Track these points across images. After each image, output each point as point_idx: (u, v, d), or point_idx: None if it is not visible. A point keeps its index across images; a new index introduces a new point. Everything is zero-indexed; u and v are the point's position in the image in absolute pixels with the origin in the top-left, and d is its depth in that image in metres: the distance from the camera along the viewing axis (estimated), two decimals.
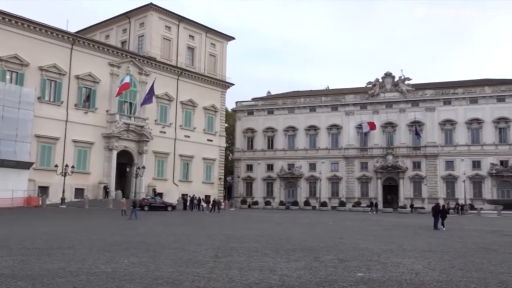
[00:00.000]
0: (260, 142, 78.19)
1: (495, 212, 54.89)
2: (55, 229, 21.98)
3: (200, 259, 12.62)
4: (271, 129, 77.69)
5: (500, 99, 66.86)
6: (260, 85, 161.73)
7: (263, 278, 9.91)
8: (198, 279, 9.70)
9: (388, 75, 73.48)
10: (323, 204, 68.77)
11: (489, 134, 66.57)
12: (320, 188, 71.75)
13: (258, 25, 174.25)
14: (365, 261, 12.91)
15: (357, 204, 68.29)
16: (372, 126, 69.41)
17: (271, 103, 79.72)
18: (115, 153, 54.33)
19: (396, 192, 69.44)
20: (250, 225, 29.21)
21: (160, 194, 56.91)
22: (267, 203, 72.69)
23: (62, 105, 50.62)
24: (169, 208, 47.61)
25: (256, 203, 72.63)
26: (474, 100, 68.09)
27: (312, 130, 75.53)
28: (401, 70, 77.82)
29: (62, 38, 51.11)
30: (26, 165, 44.60)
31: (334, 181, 73.34)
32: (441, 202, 50.53)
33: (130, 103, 57.71)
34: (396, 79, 72.91)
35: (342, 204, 68.55)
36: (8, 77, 46.15)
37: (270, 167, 76.76)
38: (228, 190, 78.85)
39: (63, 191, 46.18)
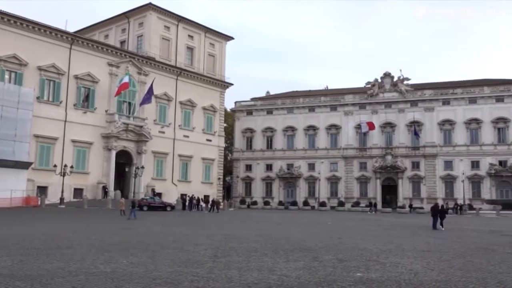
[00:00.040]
0: (259, 142, 78.19)
1: (494, 212, 54.95)
2: (54, 229, 21.96)
3: (199, 259, 12.61)
4: (270, 129, 77.70)
5: (499, 99, 66.96)
6: (259, 85, 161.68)
7: (262, 278, 9.91)
8: (197, 279, 9.70)
9: (387, 75, 73.54)
10: (322, 204, 68.83)
11: (488, 134, 66.65)
12: (319, 188, 71.77)
13: (258, 25, 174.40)
14: (364, 261, 12.91)
15: (356, 204, 68.35)
16: (371, 126, 69.47)
17: (270, 103, 79.72)
18: (114, 153, 54.29)
19: (395, 192, 69.49)
20: (249, 225, 29.21)
21: (159, 194, 56.88)
22: (266, 203, 72.70)
23: (61, 105, 50.56)
24: (168, 208, 47.59)
25: (255, 203, 72.64)
26: (473, 100, 68.17)
27: (311, 130, 75.56)
28: (400, 70, 77.90)
29: (61, 38, 51.07)
30: (25, 165, 44.56)
31: (333, 181, 73.36)
32: (440, 202, 50.66)
33: (129, 103, 57.69)
34: (395, 79, 72.97)
35: (341, 204, 68.60)
36: (7, 76, 46.10)
37: (269, 167, 76.76)
38: (227, 190, 78.85)
39: (62, 191, 46.14)
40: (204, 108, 67.23)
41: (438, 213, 27.65)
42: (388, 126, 71.76)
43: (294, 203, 70.54)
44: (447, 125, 68.89)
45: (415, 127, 68.25)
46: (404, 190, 68.92)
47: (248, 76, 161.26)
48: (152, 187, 58.09)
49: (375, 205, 63.93)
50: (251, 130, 78.80)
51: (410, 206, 63.83)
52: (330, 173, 73.42)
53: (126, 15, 63.98)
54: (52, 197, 46.68)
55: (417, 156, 69.50)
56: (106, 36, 65.72)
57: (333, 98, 76.16)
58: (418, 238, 21.08)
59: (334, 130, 74.55)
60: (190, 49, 66.78)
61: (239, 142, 79.50)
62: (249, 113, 79.74)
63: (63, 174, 46.26)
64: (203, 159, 66.61)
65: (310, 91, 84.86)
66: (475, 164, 66.53)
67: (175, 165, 62.73)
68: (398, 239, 20.20)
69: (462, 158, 66.99)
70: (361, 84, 75.66)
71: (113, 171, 54.08)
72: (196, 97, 65.75)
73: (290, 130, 76.64)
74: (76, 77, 51.97)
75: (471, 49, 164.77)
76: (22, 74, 47.32)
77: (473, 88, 69.43)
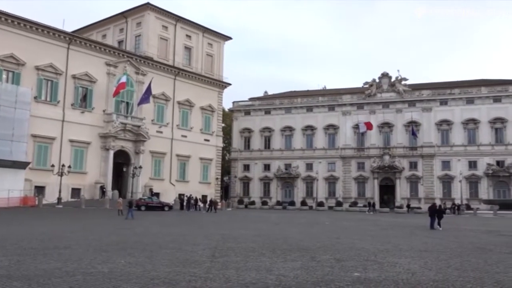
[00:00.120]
0: (257, 142, 78.20)
1: (491, 212, 55.10)
2: (51, 229, 21.92)
3: (197, 259, 12.61)
4: (268, 129, 77.72)
5: (496, 100, 67.14)
6: (257, 85, 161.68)
7: (260, 278, 9.91)
8: (195, 279, 9.69)
9: (385, 75, 73.65)
10: (320, 204, 68.89)
11: (485, 135, 66.83)
12: (317, 188, 71.81)
13: (256, 24, 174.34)
14: (361, 261, 12.93)
15: (354, 204, 68.44)
16: (369, 126, 69.60)
17: (268, 103, 79.75)
18: (111, 153, 54.24)
19: (393, 192, 69.59)
20: (247, 225, 29.21)
21: (157, 194, 56.80)
22: (264, 203, 72.72)
23: (58, 105, 50.50)
24: (166, 208, 47.54)
25: (253, 203, 72.66)
26: (470, 101, 68.33)
27: (309, 130, 75.62)
28: (398, 71, 78.33)
29: (58, 37, 50.99)
30: (22, 165, 44.48)
31: (331, 181, 73.43)
32: (438, 202, 50.65)
33: (127, 103, 57.65)
34: (393, 79, 73.08)
35: (339, 204, 68.69)
36: (4, 76, 46.02)
37: (267, 167, 76.78)
38: (225, 190, 78.87)
39: (60, 191, 46.06)
40: (202, 108, 67.21)
41: (436, 213, 27.70)
42: (386, 126, 71.88)
43: (292, 203, 70.57)
44: (444, 125, 69.04)
45: (412, 127, 68.37)
46: (401, 190, 69.03)
47: (246, 76, 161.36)
48: (150, 187, 58.03)
49: (374, 205, 64.04)
50: (249, 130, 78.81)
51: (408, 206, 63.97)
52: (328, 173, 73.49)
53: (124, 15, 63.92)
54: (50, 197, 46.61)
55: (414, 156, 69.63)
56: (104, 36, 65.65)
57: (331, 98, 76.23)
58: (415, 238, 21.12)
59: (332, 130, 74.62)
60: (188, 49, 66.75)
61: (237, 142, 79.51)
62: (247, 113, 79.75)
63: (61, 174, 46.19)
64: (201, 159, 66.59)
65: (308, 91, 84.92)
66: (472, 164, 66.69)
67: (173, 165, 62.70)
68: (395, 239, 20.23)
69: (460, 158, 67.14)
70: (360, 84, 75.71)
71: (111, 171, 54.04)
72: (194, 97, 65.73)
73: (288, 130, 76.68)
74: (74, 76, 51.91)
75: (471, 49, 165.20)
76: (19, 74, 47.23)
77: (470, 88, 69.60)
